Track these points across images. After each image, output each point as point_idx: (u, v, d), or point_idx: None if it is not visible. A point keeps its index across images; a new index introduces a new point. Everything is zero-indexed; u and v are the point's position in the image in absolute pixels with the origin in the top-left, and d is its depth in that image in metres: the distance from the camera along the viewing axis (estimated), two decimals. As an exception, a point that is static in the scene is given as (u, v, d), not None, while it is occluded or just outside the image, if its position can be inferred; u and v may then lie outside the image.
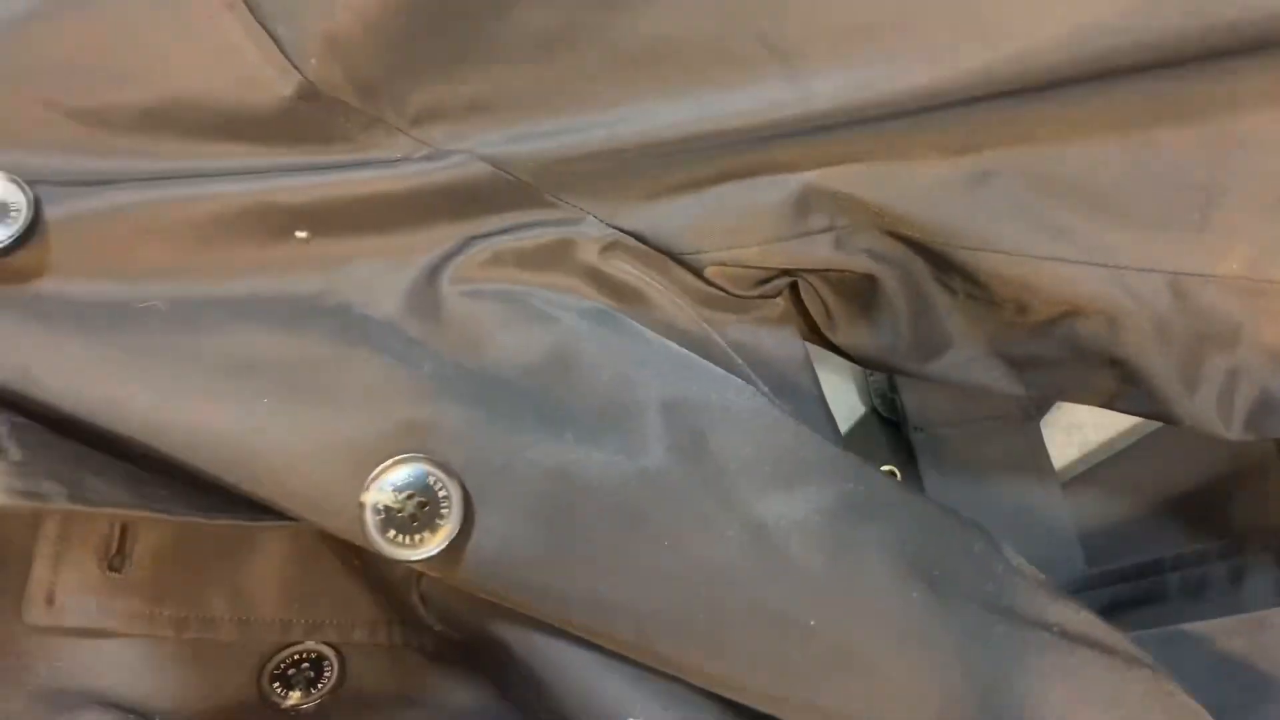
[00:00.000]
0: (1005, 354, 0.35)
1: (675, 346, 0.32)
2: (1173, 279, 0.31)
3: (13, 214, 0.28)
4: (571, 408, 0.30)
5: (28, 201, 0.28)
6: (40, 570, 0.32)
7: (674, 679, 0.29)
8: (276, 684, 0.34)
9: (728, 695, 0.30)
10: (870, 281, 0.33)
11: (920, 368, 0.36)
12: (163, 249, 0.29)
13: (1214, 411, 0.33)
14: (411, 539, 0.27)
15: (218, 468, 0.28)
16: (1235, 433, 0.33)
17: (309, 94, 0.29)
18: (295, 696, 0.34)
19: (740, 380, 0.32)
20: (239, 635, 0.33)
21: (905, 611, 0.29)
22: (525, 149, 0.31)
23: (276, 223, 0.30)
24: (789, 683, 0.29)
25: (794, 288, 0.35)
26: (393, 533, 0.27)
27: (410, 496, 0.28)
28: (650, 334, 0.32)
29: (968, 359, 0.35)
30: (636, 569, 0.29)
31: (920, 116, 0.30)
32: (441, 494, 0.28)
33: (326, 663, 0.34)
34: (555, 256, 0.32)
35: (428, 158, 0.31)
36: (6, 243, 0.28)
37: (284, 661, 0.34)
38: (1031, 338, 0.34)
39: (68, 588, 0.33)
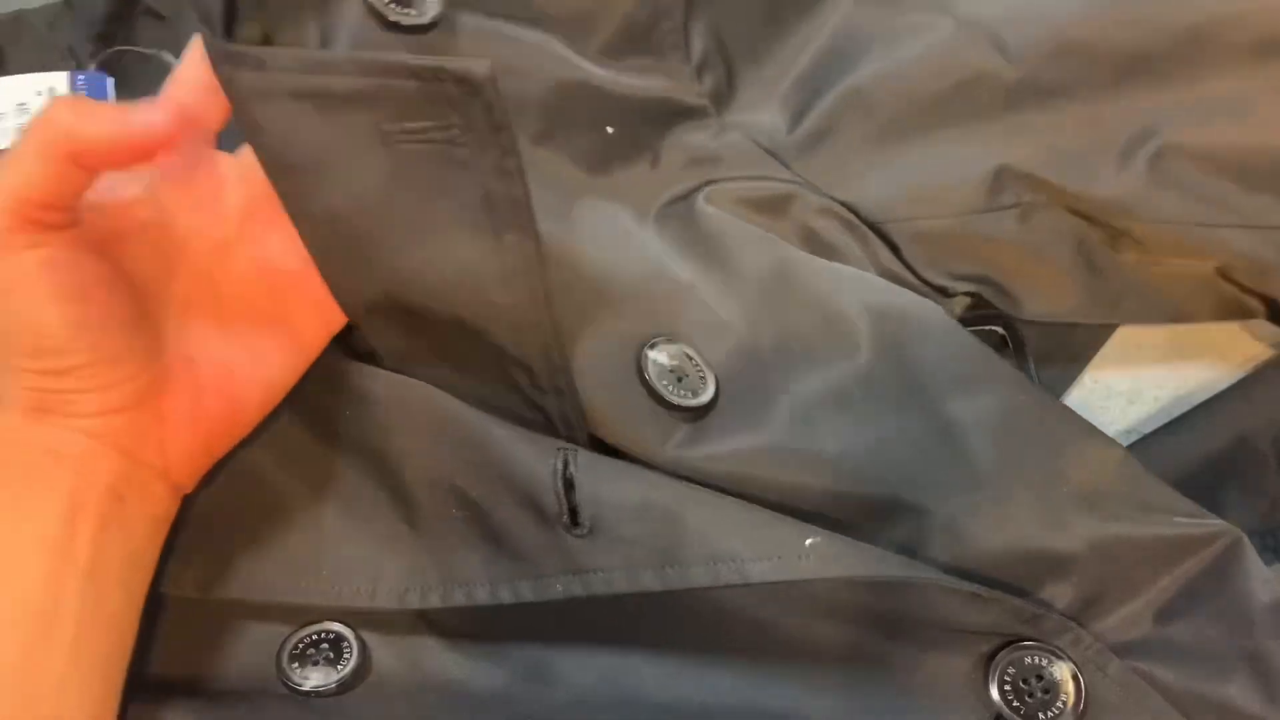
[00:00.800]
0: (1169, 295, 0.40)
1: (872, 274, 0.39)
2: None
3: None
4: (794, 319, 0.37)
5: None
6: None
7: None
8: (295, 664, 0.34)
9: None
10: (1047, 256, 0.39)
11: (1097, 320, 0.42)
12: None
13: None
14: (678, 393, 0.35)
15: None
16: None
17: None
18: (315, 678, 0.33)
19: (930, 301, 0.38)
20: (265, 596, 0.33)
21: (1055, 496, 0.35)
22: (765, 121, 0.40)
23: (597, 107, 0.38)
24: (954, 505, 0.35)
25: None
26: (664, 382, 0.35)
27: (678, 365, 0.35)
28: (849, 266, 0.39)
29: (1140, 308, 0.40)
30: (843, 439, 0.35)
31: (1099, 89, 0.37)
32: (699, 374, 0.35)
33: (345, 644, 0.34)
34: (780, 206, 0.39)
35: (704, 109, 0.41)
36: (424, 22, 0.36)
37: (302, 641, 0.34)
38: (1185, 283, 0.40)
39: None
